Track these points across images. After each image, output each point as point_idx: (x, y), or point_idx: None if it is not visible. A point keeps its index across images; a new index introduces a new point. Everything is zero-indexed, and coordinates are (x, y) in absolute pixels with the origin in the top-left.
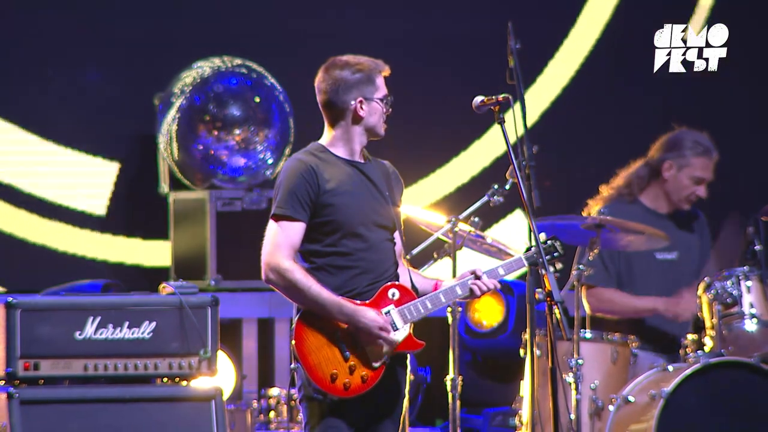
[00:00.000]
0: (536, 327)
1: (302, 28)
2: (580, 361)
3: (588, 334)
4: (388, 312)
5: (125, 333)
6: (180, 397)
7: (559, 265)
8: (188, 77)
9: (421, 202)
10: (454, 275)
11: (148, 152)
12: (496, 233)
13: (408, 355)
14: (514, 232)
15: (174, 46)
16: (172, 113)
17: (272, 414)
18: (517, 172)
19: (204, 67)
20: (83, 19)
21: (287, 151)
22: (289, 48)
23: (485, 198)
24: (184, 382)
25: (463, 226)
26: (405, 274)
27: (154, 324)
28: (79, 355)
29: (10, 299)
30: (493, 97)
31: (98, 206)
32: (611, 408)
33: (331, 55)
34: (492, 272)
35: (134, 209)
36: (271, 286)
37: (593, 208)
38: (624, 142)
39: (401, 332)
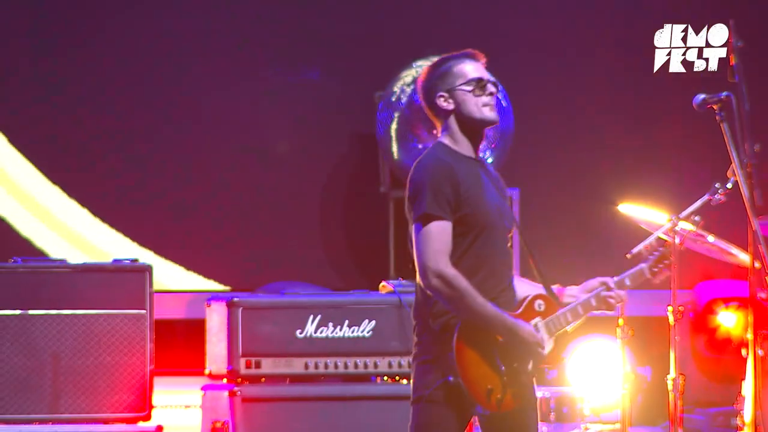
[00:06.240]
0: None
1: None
2: None
3: None
4: (536, 325)
5: (345, 331)
6: (400, 396)
7: (667, 273)
8: (408, 76)
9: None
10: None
11: (369, 151)
12: None
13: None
14: None
15: (394, 44)
16: (393, 112)
17: None
18: (739, 170)
19: (424, 67)
20: (303, 18)
21: (508, 148)
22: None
23: (706, 197)
24: (404, 381)
25: (684, 225)
26: (518, 281)
27: (373, 323)
28: (299, 353)
29: (232, 298)
30: (715, 95)
31: (317, 204)
32: None
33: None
34: (619, 283)
35: (354, 208)
36: (432, 292)
37: None
38: None
39: (548, 346)
